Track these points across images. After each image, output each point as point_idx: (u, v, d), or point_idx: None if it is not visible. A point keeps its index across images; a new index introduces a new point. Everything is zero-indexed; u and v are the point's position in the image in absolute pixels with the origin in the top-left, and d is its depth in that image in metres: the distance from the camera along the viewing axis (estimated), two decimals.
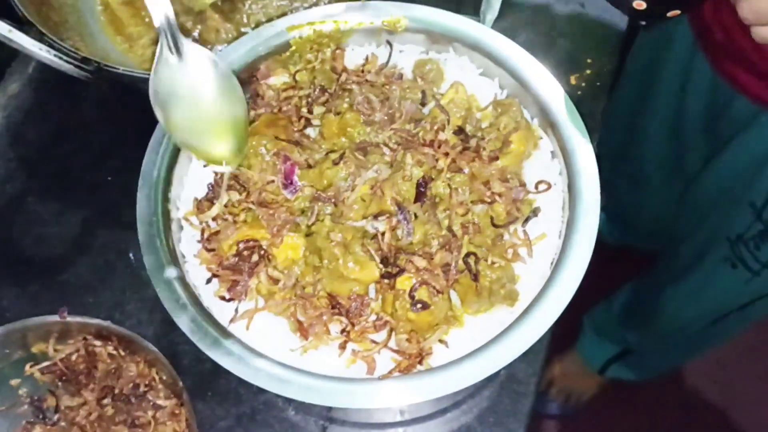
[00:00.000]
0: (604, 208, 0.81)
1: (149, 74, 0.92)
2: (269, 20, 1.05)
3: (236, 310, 0.74)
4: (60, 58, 0.88)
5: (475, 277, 0.72)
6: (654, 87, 1.39)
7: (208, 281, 0.75)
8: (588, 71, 1.12)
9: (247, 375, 0.68)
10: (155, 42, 1.06)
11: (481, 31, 0.85)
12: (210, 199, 0.79)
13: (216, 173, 0.80)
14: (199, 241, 0.76)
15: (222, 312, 0.74)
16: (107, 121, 1.10)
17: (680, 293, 1.55)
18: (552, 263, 0.75)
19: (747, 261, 1.30)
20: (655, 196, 1.67)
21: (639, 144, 1.56)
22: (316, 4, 1.05)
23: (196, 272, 0.76)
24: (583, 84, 1.11)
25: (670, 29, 1.27)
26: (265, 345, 0.72)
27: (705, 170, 1.38)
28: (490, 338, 0.69)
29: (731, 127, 1.22)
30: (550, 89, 0.82)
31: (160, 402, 0.86)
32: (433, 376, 0.68)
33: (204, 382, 0.90)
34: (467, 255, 0.72)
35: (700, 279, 1.47)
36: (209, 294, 0.75)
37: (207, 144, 0.72)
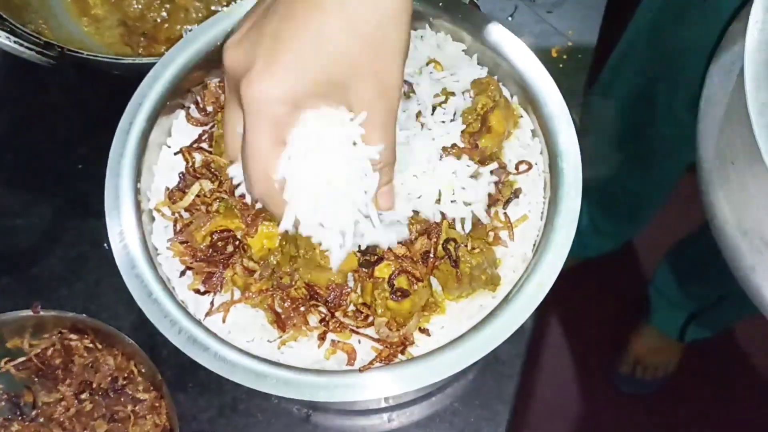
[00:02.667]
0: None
1: (116, 58, 0.90)
2: None
3: (212, 303, 0.72)
4: (21, 45, 0.84)
5: (455, 263, 0.70)
6: (676, 55, 1.24)
7: (182, 274, 0.73)
8: (569, 43, 1.10)
9: (223, 371, 0.66)
10: (122, 23, 1.02)
11: (458, 6, 0.82)
12: (182, 188, 0.76)
13: (187, 162, 0.77)
14: (170, 240, 0.74)
15: (197, 305, 0.72)
16: (75, 106, 1.06)
17: None
18: (534, 245, 0.74)
19: None
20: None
21: (656, 120, 1.40)
22: None
23: (169, 265, 0.74)
24: (565, 56, 1.09)
25: None
26: (242, 338, 0.70)
27: None
28: (472, 325, 0.68)
29: None
30: (530, 65, 0.79)
31: (139, 395, 0.85)
32: (415, 365, 0.66)
33: (184, 373, 0.89)
34: (446, 241, 0.71)
35: None
36: (183, 287, 0.73)
37: None
